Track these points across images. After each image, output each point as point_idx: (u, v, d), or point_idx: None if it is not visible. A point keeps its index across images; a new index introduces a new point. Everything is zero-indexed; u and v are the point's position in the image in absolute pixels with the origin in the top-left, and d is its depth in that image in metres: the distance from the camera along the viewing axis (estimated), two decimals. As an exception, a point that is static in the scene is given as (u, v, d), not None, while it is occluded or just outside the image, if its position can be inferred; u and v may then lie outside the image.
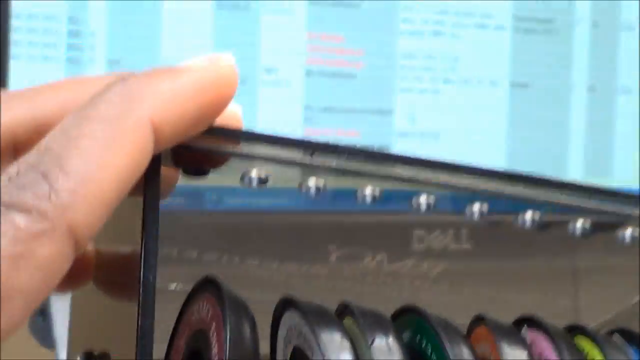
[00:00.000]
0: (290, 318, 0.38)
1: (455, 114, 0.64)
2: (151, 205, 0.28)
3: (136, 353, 0.29)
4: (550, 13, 0.66)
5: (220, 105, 0.28)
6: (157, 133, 0.26)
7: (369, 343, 0.34)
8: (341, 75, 0.62)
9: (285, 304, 0.38)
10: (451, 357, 0.35)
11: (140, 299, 0.28)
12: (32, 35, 0.56)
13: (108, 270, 0.33)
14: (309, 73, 0.61)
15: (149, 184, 0.28)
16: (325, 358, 0.34)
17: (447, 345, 0.35)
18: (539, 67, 0.66)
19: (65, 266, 0.24)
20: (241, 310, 0.35)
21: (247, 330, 0.34)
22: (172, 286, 0.43)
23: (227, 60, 0.28)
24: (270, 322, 0.39)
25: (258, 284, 0.45)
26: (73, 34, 0.57)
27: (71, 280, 0.30)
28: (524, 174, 0.35)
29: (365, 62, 0.63)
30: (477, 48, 0.65)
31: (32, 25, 0.56)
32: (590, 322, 0.39)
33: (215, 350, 0.33)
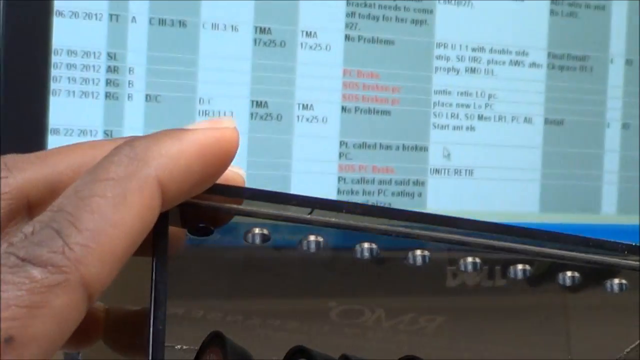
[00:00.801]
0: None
1: (490, 150, 0.64)
2: (160, 261, 0.29)
3: None
4: (585, 50, 0.66)
5: (222, 164, 0.29)
6: (163, 191, 0.27)
7: None
8: (376, 111, 0.62)
9: (297, 353, 0.38)
10: None
11: (151, 352, 0.29)
12: (71, 71, 0.57)
13: (118, 327, 0.34)
14: (344, 109, 0.62)
15: (157, 240, 0.29)
16: None
17: None
18: (574, 103, 0.66)
19: (78, 317, 0.25)
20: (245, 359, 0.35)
21: None
22: (178, 346, 0.44)
23: (228, 123, 0.30)
24: None
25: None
26: (112, 69, 0.58)
27: (82, 337, 0.32)
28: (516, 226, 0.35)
29: (400, 98, 0.63)
30: (512, 85, 0.65)
31: (72, 61, 0.57)
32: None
33: None
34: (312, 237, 0.36)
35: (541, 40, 0.65)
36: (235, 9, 0.60)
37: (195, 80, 0.59)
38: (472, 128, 0.64)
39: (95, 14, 0.57)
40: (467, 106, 0.64)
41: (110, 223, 0.26)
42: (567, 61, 0.66)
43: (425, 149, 0.63)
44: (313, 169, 0.61)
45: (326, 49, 0.62)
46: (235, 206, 0.33)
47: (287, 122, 0.61)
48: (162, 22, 0.58)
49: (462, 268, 0.37)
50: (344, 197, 0.61)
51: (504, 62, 0.64)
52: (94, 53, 0.57)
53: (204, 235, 0.34)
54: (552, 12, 0.66)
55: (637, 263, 0.38)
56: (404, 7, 0.63)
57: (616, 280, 0.39)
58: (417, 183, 0.63)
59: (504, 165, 0.65)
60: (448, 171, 0.63)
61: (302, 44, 0.61)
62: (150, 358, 0.29)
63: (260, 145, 0.59)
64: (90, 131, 0.57)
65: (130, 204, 0.26)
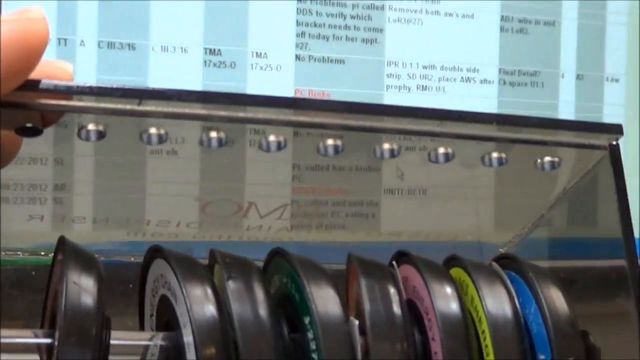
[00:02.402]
0: (158, 267, 0.37)
1: (443, 167, 0.64)
2: None
3: None
4: (536, 66, 0.67)
5: (32, 57, 0.28)
6: None
7: (226, 283, 0.34)
8: (328, 131, 0.62)
9: (154, 253, 0.38)
10: (312, 296, 0.35)
11: None
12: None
13: None
14: (295, 132, 0.62)
15: None
16: (189, 308, 0.33)
17: (306, 284, 0.35)
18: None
19: None
20: (86, 263, 0.34)
21: (87, 281, 0.34)
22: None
23: (36, 12, 0.28)
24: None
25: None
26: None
27: None
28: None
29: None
30: (464, 101, 0.65)
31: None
32: None
33: (59, 305, 0.33)
34: (153, 130, 0.35)
35: (492, 57, 0.65)
36: (185, 31, 0.59)
37: (145, 104, 0.58)
38: (424, 147, 0.64)
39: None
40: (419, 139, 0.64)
41: None
42: (518, 77, 0.66)
43: (377, 169, 0.63)
44: (267, 191, 0.61)
45: (277, 69, 0.61)
46: (49, 102, 0.32)
47: (239, 144, 0.60)
48: (111, 45, 0.58)
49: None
50: (296, 222, 0.61)
51: (455, 79, 0.64)
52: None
53: (33, 135, 0.33)
54: (502, 29, 0.66)
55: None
56: (354, 27, 0.62)
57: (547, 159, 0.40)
58: (370, 204, 0.63)
59: (457, 184, 0.65)
60: (401, 191, 0.63)
61: (252, 64, 0.61)
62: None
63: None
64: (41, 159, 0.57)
65: None
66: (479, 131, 0.39)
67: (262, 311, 0.34)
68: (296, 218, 0.60)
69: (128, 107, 0.33)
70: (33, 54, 0.28)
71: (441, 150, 0.41)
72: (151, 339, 0.36)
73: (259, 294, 0.35)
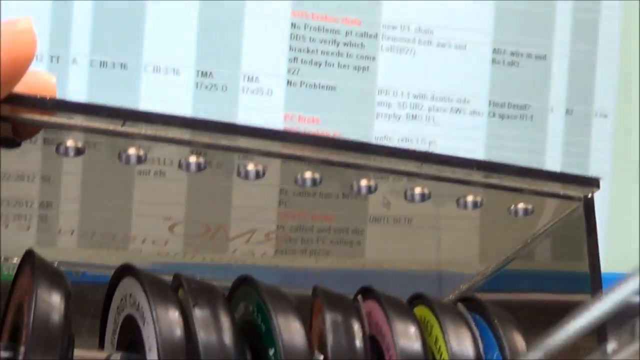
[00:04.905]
0: (127, 285, 0.37)
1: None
2: None
3: None
4: (526, 99, 0.67)
5: (18, 69, 0.27)
6: None
7: (192, 310, 0.34)
8: (317, 157, 0.62)
9: (124, 271, 0.38)
10: (278, 329, 0.35)
11: None
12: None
13: None
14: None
15: None
16: (158, 332, 0.33)
17: (274, 316, 0.35)
18: (514, 152, 0.67)
19: None
20: (54, 278, 0.34)
21: (55, 298, 0.33)
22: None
23: (24, 23, 0.28)
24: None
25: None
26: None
27: None
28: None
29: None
30: (453, 132, 0.65)
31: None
32: None
33: (26, 320, 0.33)
34: (132, 150, 0.35)
35: (482, 89, 0.66)
36: (177, 52, 0.60)
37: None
38: (401, 187, 0.64)
39: (37, 55, 0.56)
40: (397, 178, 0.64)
41: None
42: (507, 109, 0.66)
43: (364, 197, 0.63)
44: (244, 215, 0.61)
45: (268, 93, 0.61)
46: (32, 116, 0.31)
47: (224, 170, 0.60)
48: (103, 64, 0.58)
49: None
50: (283, 246, 0.61)
51: (445, 110, 0.65)
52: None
53: (12, 146, 0.33)
54: (494, 61, 0.66)
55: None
56: (347, 54, 0.63)
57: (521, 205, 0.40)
58: (355, 231, 0.63)
59: (443, 214, 0.65)
60: (387, 219, 0.64)
61: (243, 88, 0.61)
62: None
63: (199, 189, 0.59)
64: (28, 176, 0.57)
65: None
66: (457, 174, 0.39)
67: (227, 341, 0.34)
68: (281, 243, 0.61)
69: (111, 127, 0.33)
70: (20, 66, 0.28)
71: (417, 190, 0.41)
72: (109, 358, 0.36)
73: (225, 322, 0.35)
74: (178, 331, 0.34)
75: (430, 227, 0.65)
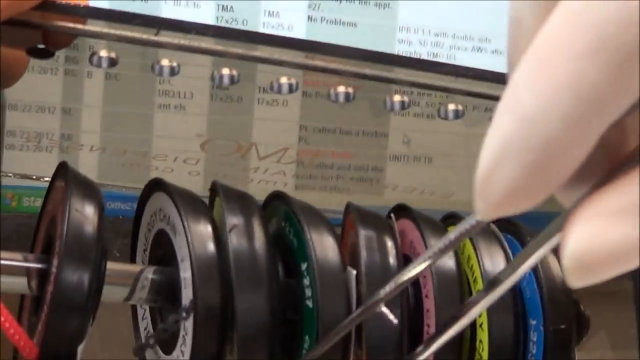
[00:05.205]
0: (157, 200, 0.37)
1: (450, 137, 0.64)
2: None
3: None
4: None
5: None
6: None
7: (229, 228, 0.34)
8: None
9: (154, 186, 0.37)
10: (311, 244, 0.34)
11: None
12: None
13: None
14: (305, 93, 0.62)
15: None
16: (190, 242, 0.33)
17: (306, 230, 0.35)
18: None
19: None
20: (88, 190, 0.34)
21: (89, 209, 0.33)
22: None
23: None
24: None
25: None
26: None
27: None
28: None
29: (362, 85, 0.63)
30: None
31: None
32: None
33: (59, 230, 0.32)
34: (165, 62, 0.35)
35: (504, 28, 0.65)
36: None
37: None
38: (432, 116, 0.64)
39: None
40: (429, 94, 0.63)
41: None
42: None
43: (385, 135, 0.63)
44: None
45: (288, 29, 0.61)
46: (65, 24, 0.31)
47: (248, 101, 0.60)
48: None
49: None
50: (302, 182, 0.61)
51: (466, 48, 0.64)
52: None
53: (45, 57, 0.33)
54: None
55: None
56: (367, -11, 0.62)
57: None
58: (375, 169, 0.63)
59: (463, 153, 0.64)
60: (407, 158, 0.63)
61: (264, 23, 0.60)
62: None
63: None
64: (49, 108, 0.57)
65: None
66: (487, 90, 0.39)
67: (260, 254, 0.34)
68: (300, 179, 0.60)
69: (144, 36, 0.33)
70: None
71: (451, 107, 0.41)
72: (142, 272, 0.35)
73: (259, 235, 0.34)
74: (209, 242, 0.34)
75: (450, 167, 0.64)
